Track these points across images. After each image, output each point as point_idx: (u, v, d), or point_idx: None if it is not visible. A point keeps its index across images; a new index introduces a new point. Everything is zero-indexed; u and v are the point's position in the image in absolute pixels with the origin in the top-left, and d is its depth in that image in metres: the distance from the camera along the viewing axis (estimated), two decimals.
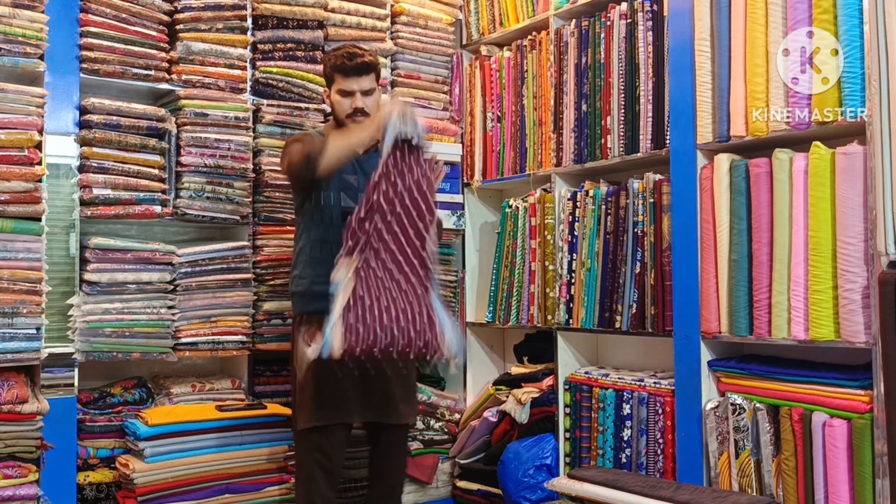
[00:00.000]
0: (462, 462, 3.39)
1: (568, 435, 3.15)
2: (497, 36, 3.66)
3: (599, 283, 3.04)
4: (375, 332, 2.27)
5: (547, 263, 3.27)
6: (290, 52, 3.22)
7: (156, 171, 2.91)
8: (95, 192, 2.78)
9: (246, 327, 3.08)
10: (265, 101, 3.16)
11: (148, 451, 2.67)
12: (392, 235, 2.35)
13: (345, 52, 2.67)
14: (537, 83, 3.43)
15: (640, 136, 2.96)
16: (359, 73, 2.63)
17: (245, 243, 3.09)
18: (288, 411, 2.88)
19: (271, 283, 3.16)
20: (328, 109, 3.28)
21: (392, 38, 3.50)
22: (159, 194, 2.91)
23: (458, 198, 3.65)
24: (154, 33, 2.94)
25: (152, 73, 2.93)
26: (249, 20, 3.13)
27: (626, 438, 2.91)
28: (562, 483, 2.77)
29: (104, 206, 2.80)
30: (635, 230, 2.93)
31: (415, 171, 2.40)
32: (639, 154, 2.97)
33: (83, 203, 2.79)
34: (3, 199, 2.50)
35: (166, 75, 2.97)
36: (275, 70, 3.18)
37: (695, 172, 2.72)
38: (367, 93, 2.65)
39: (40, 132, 2.62)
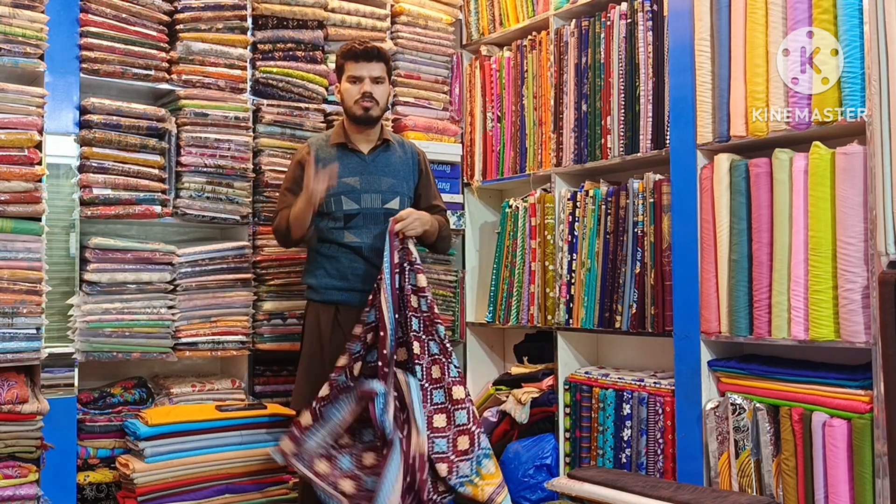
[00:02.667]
0: None
1: (568, 435, 3.15)
2: (497, 36, 3.66)
3: (599, 283, 3.04)
4: None
5: (547, 263, 3.27)
6: (290, 52, 3.22)
7: (156, 171, 2.91)
8: (95, 192, 2.78)
9: (246, 327, 3.08)
10: (265, 101, 3.16)
11: (148, 451, 2.67)
12: None
13: (356, 41, 2.81)
14: (537, 83, 3.43)
15: (640, 136, 2.96)
16: (368, 59, 2.72)
17: (245, 243, 3.09)
18: (288, 411, 2.88)
19: (271, 283, 3.16)
20: (328, 109, 3.30)
21: (392, 38, 3.50)
22: (159, 194, 2.91)
23: (458, 198, 3.65)
24: (154, 33, 2.94)
25: (152, 73, 2.93)
26: (249, 20, 3.13)
27: (626, 438, 2.91)
28: (562, 483, 2.76)
29: (104, 206, 2.80)
30: (635, 230, 2.93)
31: None
32: (639, 154, 2.97)
33: (83, 203, 2.79)
34: (3, 199, 2.50)
35: (166, 75, 2.97)
36: (275, 70, 3.18)
37: (695, 172, 2.72)
38: (376, 80, 2.74)
39: (40, 132, 2.61)
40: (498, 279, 3.50)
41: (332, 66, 3.30)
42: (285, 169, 3.13)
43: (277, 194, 2.89)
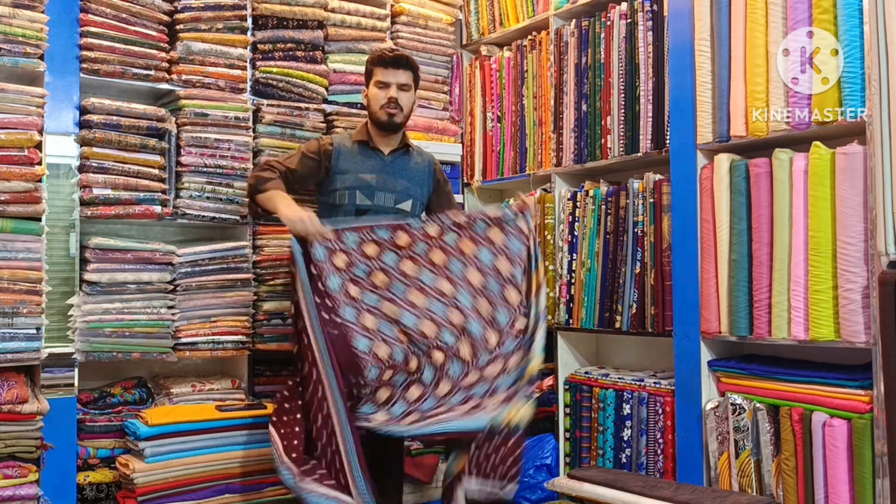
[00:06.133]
0: None
1: (568, 435, 3.15)
2: (497, 36, 3.66)
3: (599, 283, 3.04)
4: None
5: (547, 263, 3.27)
6: (290, 52, 3.22)
7: (156, 171, 2.91)
8: (95, 192, 2.78)
9: (246, 327, 3.07)
10: (265, 101, 3.16)
11: (148, 451, 2.67)
12: None
13: (387, 47, 2.90)
14: (537, 83, 3.43)
15: (640, 136, 2.96)
16: (397, 66, 2.76)
17: (245, 243, 3.09)
18: None
19: (271, 283, 3.16)
20: (328, 109, 3.30)
21: (392, 38, 3.50)
22: (159, 194, 2.91)
23: (458, 198, 3.64)
24: (154, 33, 2.94)
25: (152, 73, 2.93)
26: (249, 20, 3.13)
27: (626, 438, 2.91)
28: (562, 483, 2.77)
29: (104, 206, 2.80)
30: (635, 230, 2.93)
31: None
32: (639, 154, 2.97)
33: (83, 203, 2.79)
34: (3, 199, 2.49)
35: (166, 75, 2.97)
36: (275, 70, 3.17)
37: (695, 172, 2.72)
38: (403, 87, 2.77)
39: (40, 132, 2.61)
40: None
41: (333, 66, 3.32)
42: None
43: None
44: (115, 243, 2.82)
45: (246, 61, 3.12)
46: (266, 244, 3.14)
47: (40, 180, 2.57)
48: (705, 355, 2.68)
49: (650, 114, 2.93)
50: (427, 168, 2.92)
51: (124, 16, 2.87)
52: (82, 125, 2.80)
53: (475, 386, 2.51)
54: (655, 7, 2.92)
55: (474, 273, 2.59)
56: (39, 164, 2.57)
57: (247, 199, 2.86)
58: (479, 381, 2.51)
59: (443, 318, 2.56)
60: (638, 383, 2.92)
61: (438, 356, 2.54)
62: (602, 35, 3.12)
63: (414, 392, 2.52)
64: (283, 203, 2.62)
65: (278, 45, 3.19)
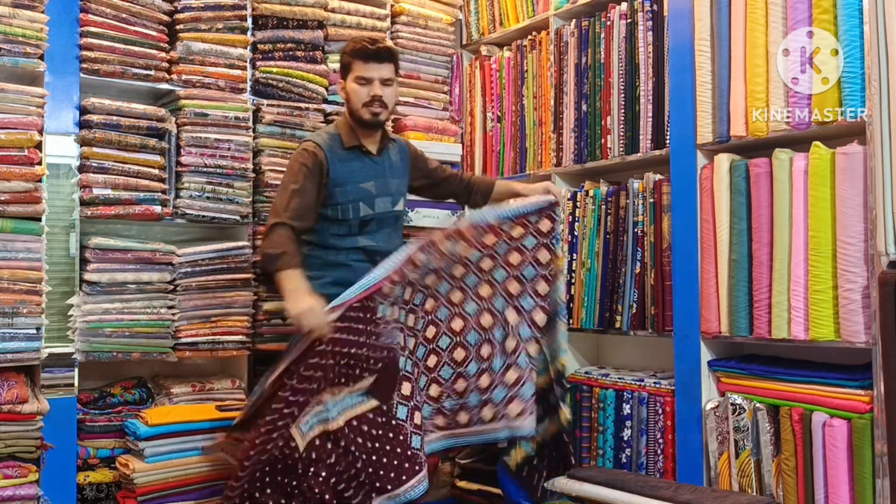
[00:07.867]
0: (462, 462, 3.38)
1: None
2: (497, 36, 3.67)
3: (599, 283, 3.04)
4: None
5: None
6: (290, 52, 3.22)
7: (156, 171, 2.91)
8: (95, 192, 2.78)
9: (246, 327, 3.07)
10: (265, 101, 3.16)
11: (148, 451, 2.67)
12: None
13: (366, 38, 2.70)
14: (537, 83, 3.43)
15: (640, 136, 2.96)
16: (379, 60, 2.62)
17: (245, 243, 3.09)
18: None
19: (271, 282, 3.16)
20: (328, 109, 3.29)
21: (392, 38, 3.50)
22: (159, 194, 2.91)
23: None
24: (154, 33, 2.94)
25: (152, 73, 2.93)
26: (249, 20, 3.13)
27: (626, 438, 2.92)
28: (562, 483, 2.76)
29: (104, 206, 2.80)
30: (635, 230, 2.93)
31: None
32: (639, 154, 2.97)
33: (83, 203, 2.79)
34: (3, 199, 2.50)
35: (166, 75, 2.97)
36: (275, 70, 3.18)
37: (695, 172, 2.72)
38: (386, 82, 2.65)
39: (40, 132, 2.61)
40: None
41: (333, 66, 3.32)
42: (285, 169, 3.13)
43: (277, 194, 2.69)
44: (115, 243, 2.82)
45: (246, 61, 3.12)
46: None
47: (40, 180, 2.57)
48: (705, 355, 2.68)
49: (650, 114, 2.93)
50: (405, 156, 2.83)
51: (124, 16, 2.87)
52: (82, 125, 2.80)
53: (492, 390, 2.58)
54: (655, 7, 2.92)
55: (511, 280, 2.64)
56: (39, 164, 2.57)
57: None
58: (497, 386, 2.58)
59: (474, 320, 2.61)
60: (638, 383, 2.92)
61: (460, 353, 2.59)
62: (602, 35, 3.12)
63: (434, 390, 2.60)
64: (289, 293, 2.45)
65: (278, 45, 3.19)
